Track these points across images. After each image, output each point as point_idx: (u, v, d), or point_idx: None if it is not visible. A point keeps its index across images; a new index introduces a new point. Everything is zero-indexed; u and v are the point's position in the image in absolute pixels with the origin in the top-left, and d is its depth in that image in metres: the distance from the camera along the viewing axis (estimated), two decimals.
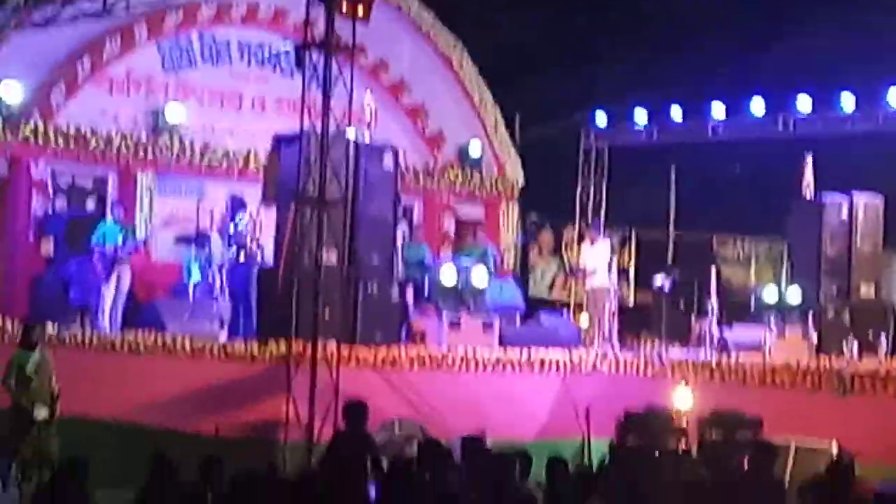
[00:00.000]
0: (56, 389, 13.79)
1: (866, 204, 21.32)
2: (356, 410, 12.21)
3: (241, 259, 18.18)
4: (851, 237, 21.19)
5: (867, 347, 19.03)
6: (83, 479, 9.52)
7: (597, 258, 20.48)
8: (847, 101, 22.62)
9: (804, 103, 23.25)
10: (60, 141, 20.27)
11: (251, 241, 18.05)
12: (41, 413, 13.56)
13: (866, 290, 21.17)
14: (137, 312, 18.53)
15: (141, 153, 20.95)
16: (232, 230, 18.12)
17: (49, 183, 20.44)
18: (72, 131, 20.41)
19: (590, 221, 24.65)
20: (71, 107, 20.58)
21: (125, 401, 15.40)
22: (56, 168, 20.54)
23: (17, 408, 13.59)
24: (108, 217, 19.23)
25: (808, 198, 22.39)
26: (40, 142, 20.12)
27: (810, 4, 24.16)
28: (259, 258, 18.16)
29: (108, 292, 18.39)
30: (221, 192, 20.98)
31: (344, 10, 15.74)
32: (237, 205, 18.40)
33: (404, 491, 9.94)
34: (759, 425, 14.32)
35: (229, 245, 18.14)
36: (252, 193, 18.92)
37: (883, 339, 19.74)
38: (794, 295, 20.52)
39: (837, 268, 21.11)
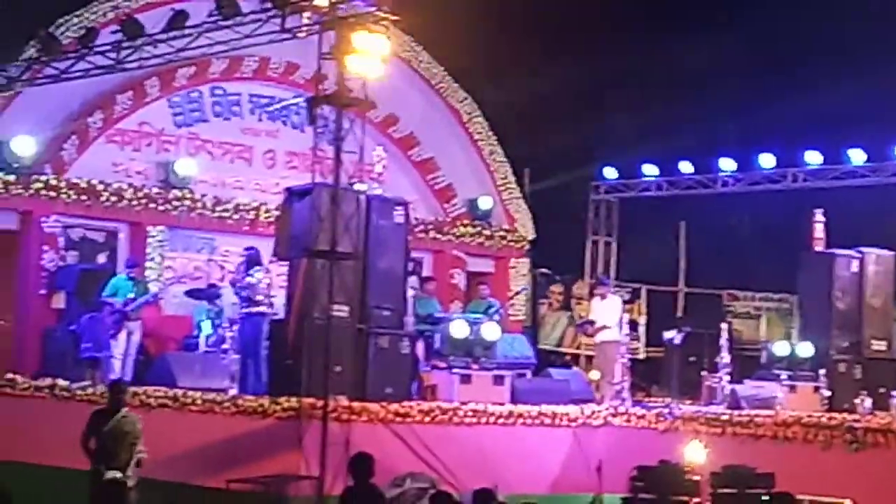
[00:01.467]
0: (139, 453, 13.22)
1: (877, 258, 21.36)
2: (361, 463, 12.15)
3: (253, 313, 18.16)
4: (862, 291, 21.20)
5: (879, 403, 19.03)
6: None
7: (608, 313, 20.54)
8: (856, 156, 22.77)
9: (813, 157, 23.39)
10: (72, 195, 20.41)
11: (265, 296, 18.06)
12: (112, 475, 12.89)
13: (877, 346, 21.17)
14: (148, 366, 18.63)
15: (152, 207, 21.08)
16: (246, 284, 18.13)
17: (60, 237, 20.55)
18: (83, 185, 20.55)
19: (599, 275, 24.69)
20: (82, 161, 20.75)
21: None
22: (67, 222, 20.66)
23: (94, 471, 13.13)
24: (121, 272, 19.33)
25: (818, 251, 22.42)
26: (52, 196, 20.26)
27: (820, 60, 24.31)
28: (271, 312, 18.17)
29: (118, 346, 18.50)
30: (232, 245, 21.11)
31: (355, 65, 15.86)
32: (253, 259, 18.42)
33: None
34: (772, 480, 14.35)
35: (242, 299, 18.16)
36: (263, 247, 19.01)
37: (895, 394, 19.74)
38: (805, 349, 20.52)
39: (848, 322, 21.10)
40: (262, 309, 17.87)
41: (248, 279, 17.99)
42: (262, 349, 17.69)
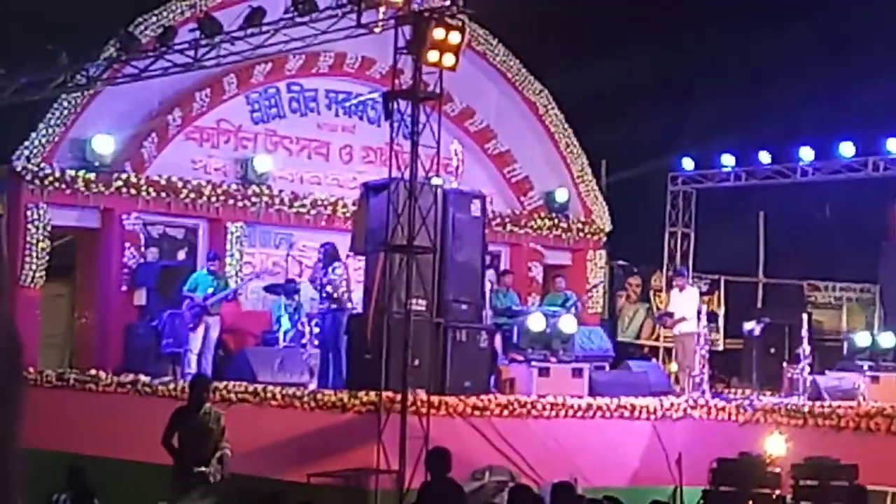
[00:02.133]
0: (223, 450, 13.06)
1: None
2: (439, 458, 12.12)
3: (333, 308, 18.22)
4: None
5: None
6: None
7: (686, 305, 20.45)
8: None
9: (894, 145, 23.12)
10: (152, 192, 20.61)
11: (344, 291, 18.13)
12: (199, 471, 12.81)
13: None
14: (228, 361, 18.77)
15: (231, 203, 21.24)
16: (325, 280, 18.19)
17: (141, 234, 20.76)
18: (163, 183, 20.74)
19: (678, 267, 24.58)
20: (162, 158, 20.94)
21: None
22: (147, 219, 20.87)
23: (178, 468, 13.11)
24: (203, 267, 19.48)
25: None
26: (132, 193, 20.48)
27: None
28: (349, 307, 18.24)
29: (196, 340, 18.62)
30: (310, 241, 21.22)
31: (431, 59, 15.88)
32: (331, 255, 18.51)
33: None
34: (855, 472, 14.22)
35: (321, 294, 18.25)
36: (340, 242, 19.09)
37: None
38: (887, 339, 20.30)
39: None
40: (341, 304, 17.95)
41: (329, 275, 18.06)
42: (342, 344, 17.79)
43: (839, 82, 25.13)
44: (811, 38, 25.19)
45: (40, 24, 19.29)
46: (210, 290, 18.87)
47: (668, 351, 23.57)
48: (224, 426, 13.23)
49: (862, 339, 20.56)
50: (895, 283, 21.41)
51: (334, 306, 17.97)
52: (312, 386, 17.23)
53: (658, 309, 24.78)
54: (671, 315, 20.88)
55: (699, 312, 20.09)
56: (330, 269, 18.15)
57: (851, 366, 19.95)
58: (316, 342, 18.06)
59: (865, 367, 19.69)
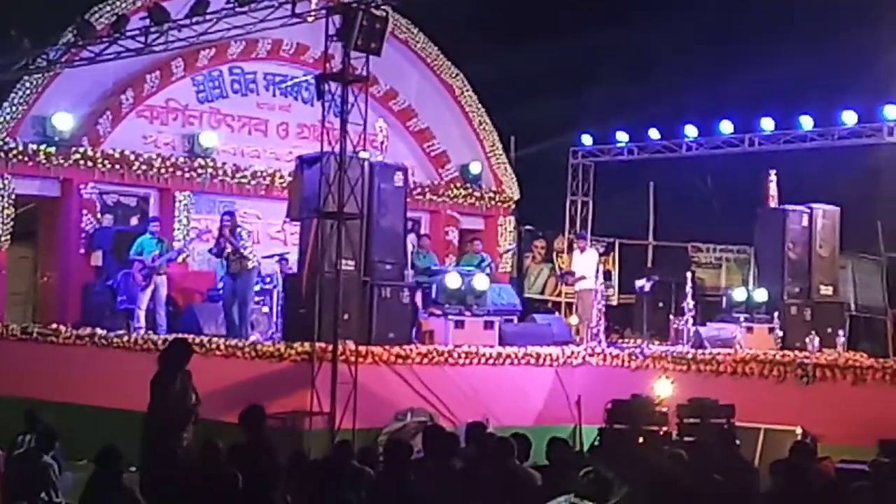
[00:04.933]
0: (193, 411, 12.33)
1: (824, 212, 21.35)
2: (252, 414, 11.44)
3: (242, 270, 17.87)
4: (811, 242, 21.20)
5: (826, 342, 19.05)
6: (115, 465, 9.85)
7: (585, 264, 20.54)
8: (805, 122, 22.75)
9: (767, 124, 23.34)
10: (107, 164, 20.43)
11: (251, 252, 17.88)
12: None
13: (825, 291, 21.19)
14: (177, 316, 18.62)
15: (178, 174, 21.07)
16: (239, 244, 17.78)
17: (97, 202, 20.56)
18: (117, 156, 20.52)
19: (578, 231, 24.68)
20: (116, 134, 20.72)
21: None
22: (103, 188, 20.67)
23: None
24: (146, 232, 19.23)
25: (772, 207, 22.36)
26: (89, 165, 20.27)
27: (772, 36, 24.23)
28: (254, 267, 17.96)
29: (145, 298, 18.34)
30: (251, 208, 21.15)
31: (359, 44, 15.77)
32: (236, 222, 18.21)
33: (404, 475, 9.82)
34: (732, 411, 14.40)
35: (229, 257, 17.86)
36: (278, 209, 18.98)
37: (840, 333, 19.79)
38: (760, 295, 20.52)
39: (799, 270, 21.10)
40: (246, 265, 17.70)
41: (241, 240, 17.76)
42: (251, 300, 17.65)
43: (720, 68, 25.30)
44: (695, 29, 25.36)
45: (4, 13, 18.96)
46: (156, 252, 18.57)
47: (569, 305, 23.69)
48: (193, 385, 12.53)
49: (739, 294, 20.74)
50: (768, 246, 21.55)
51: (245, 266, 17.65)
52: (253, 338, 17.14)
53: (560, 268, 24.89)
54: (572, 273, 20.97)
55: (597, 271, 20.21)
56: (237, 234, 17.86)
57: (729, 318, 20.14)
58: (225, 299, 17.86)
59: (741, 319, 19.90)
